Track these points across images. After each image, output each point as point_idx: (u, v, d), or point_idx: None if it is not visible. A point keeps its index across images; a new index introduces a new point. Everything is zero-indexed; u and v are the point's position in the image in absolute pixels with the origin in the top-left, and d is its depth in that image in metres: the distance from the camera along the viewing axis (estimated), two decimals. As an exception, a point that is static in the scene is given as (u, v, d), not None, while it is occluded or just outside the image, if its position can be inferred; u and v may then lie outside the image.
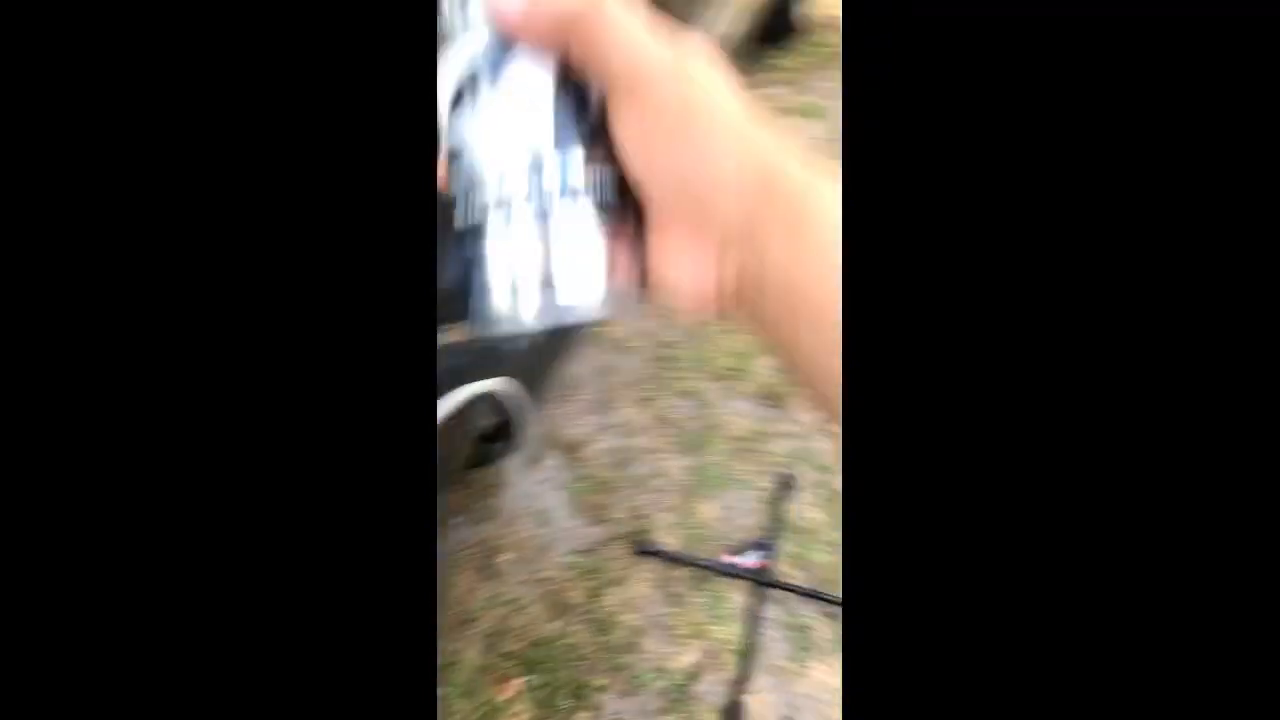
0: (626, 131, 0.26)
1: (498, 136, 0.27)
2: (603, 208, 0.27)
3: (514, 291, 0.27)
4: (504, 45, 0.27)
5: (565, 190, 0.27)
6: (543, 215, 0.27)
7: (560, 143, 0.27)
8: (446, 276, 0.26)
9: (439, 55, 0.27)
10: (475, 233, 0.27)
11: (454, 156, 0.27)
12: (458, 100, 0.27)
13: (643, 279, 0.28)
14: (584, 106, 0.27)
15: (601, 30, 0.26)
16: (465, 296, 0.27)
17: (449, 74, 0.27)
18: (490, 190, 0.27)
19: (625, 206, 0.28)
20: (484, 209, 0.27)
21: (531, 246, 0.26)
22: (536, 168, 0.26)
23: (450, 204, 0.27)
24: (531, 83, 0.27)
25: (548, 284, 0.26)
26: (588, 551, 1.36)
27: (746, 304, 0.27)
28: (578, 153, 0.27)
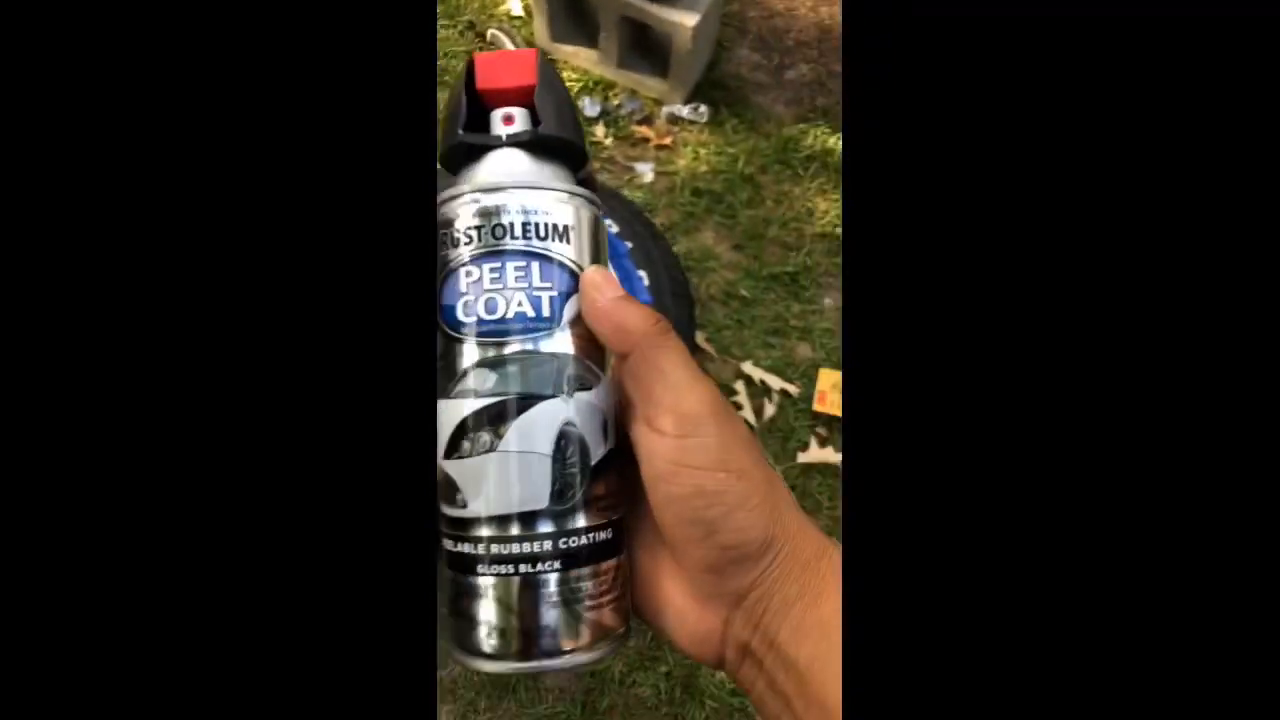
0: (644, 451, 0.29)
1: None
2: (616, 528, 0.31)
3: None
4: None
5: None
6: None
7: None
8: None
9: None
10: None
11: None
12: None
13: (647, 608, 0.31)
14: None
15: (655, 363, 0.29)
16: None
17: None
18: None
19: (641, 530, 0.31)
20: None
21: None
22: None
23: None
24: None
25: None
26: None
27: (749, 668, 0.29)
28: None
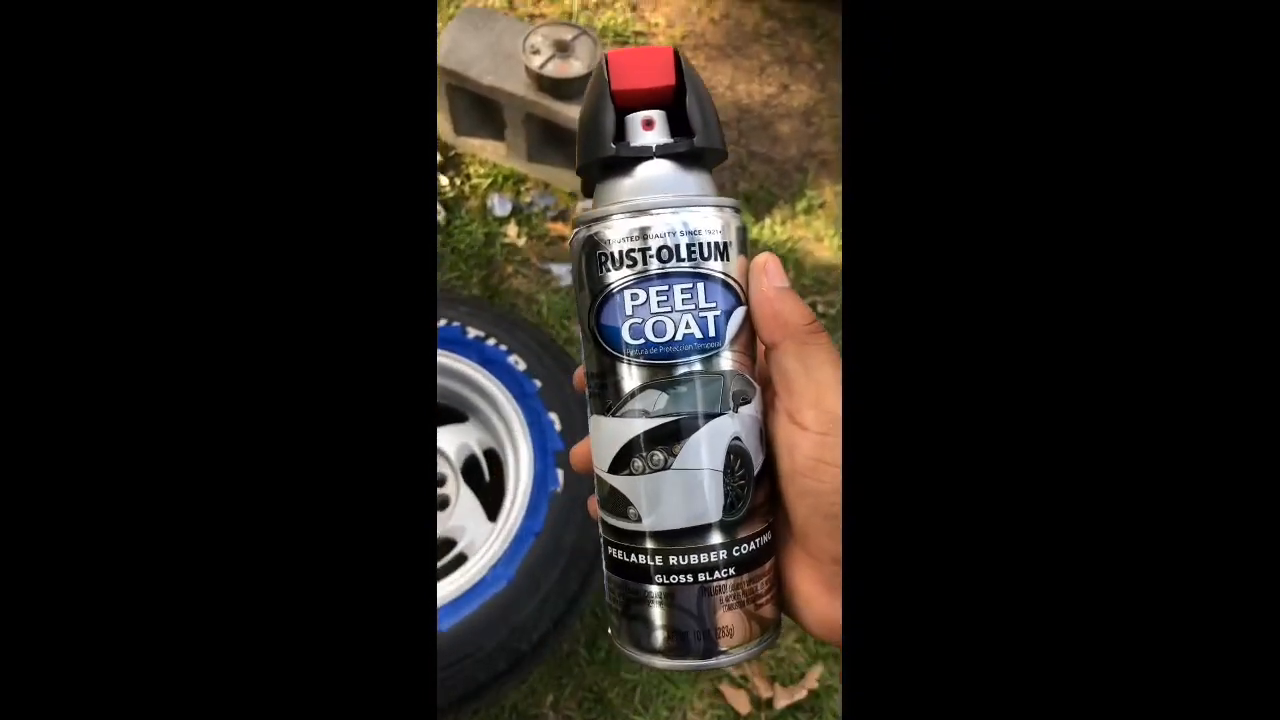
0: (784, 445, 0.30)
1: None
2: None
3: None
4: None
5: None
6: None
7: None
8: None
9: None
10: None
11: None
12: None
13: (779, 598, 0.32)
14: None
15: (803, 358, 0.30)
16: None
17: None
18: None
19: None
20: None
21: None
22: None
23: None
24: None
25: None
26: None
27: None
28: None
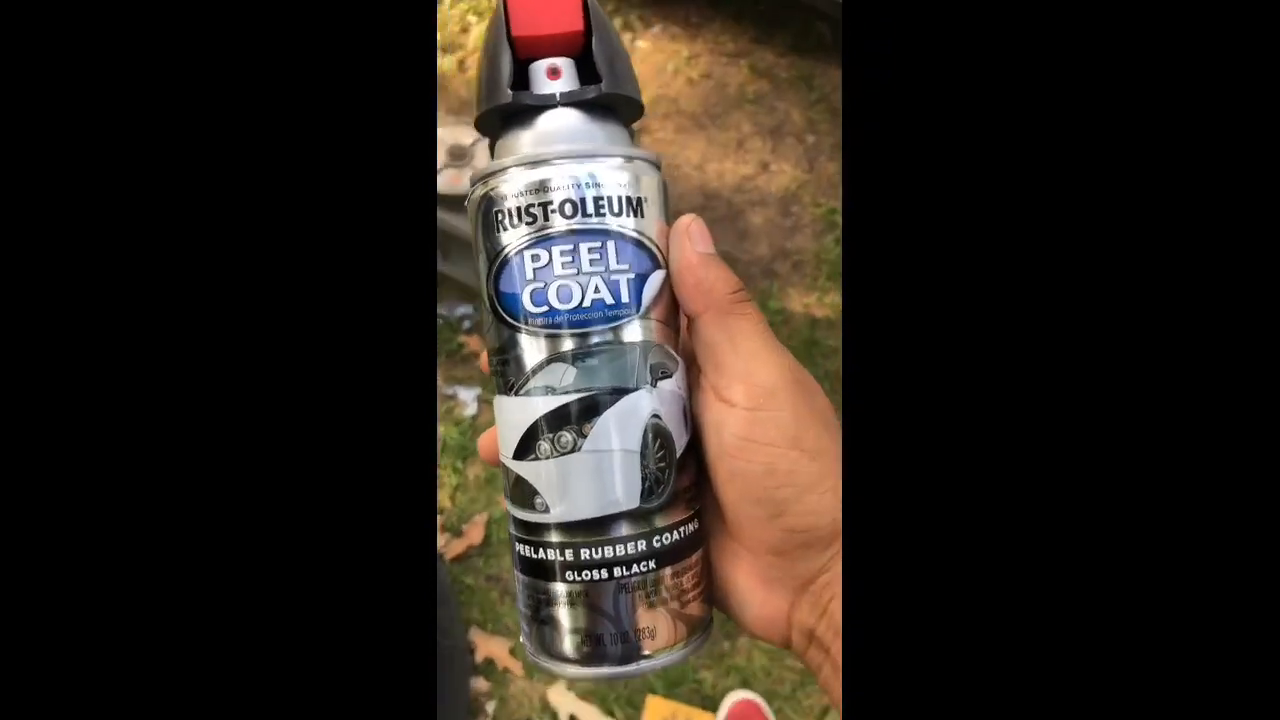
0: (710, 424, 0.28)
1: None
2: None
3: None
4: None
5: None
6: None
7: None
8: None
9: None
10: None
11: None
12: None
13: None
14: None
15: (729, 329, 0.27)
16: None
17: None
18: None
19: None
20: None
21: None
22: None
23: None
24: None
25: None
26: None
27: (815, 652, 0.27)
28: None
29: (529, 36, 0.28)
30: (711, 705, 1.03)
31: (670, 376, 0.28)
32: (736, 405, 0.27)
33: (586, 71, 0.28)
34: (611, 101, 0.28)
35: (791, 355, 0.28)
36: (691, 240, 0.28)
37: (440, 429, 1.20)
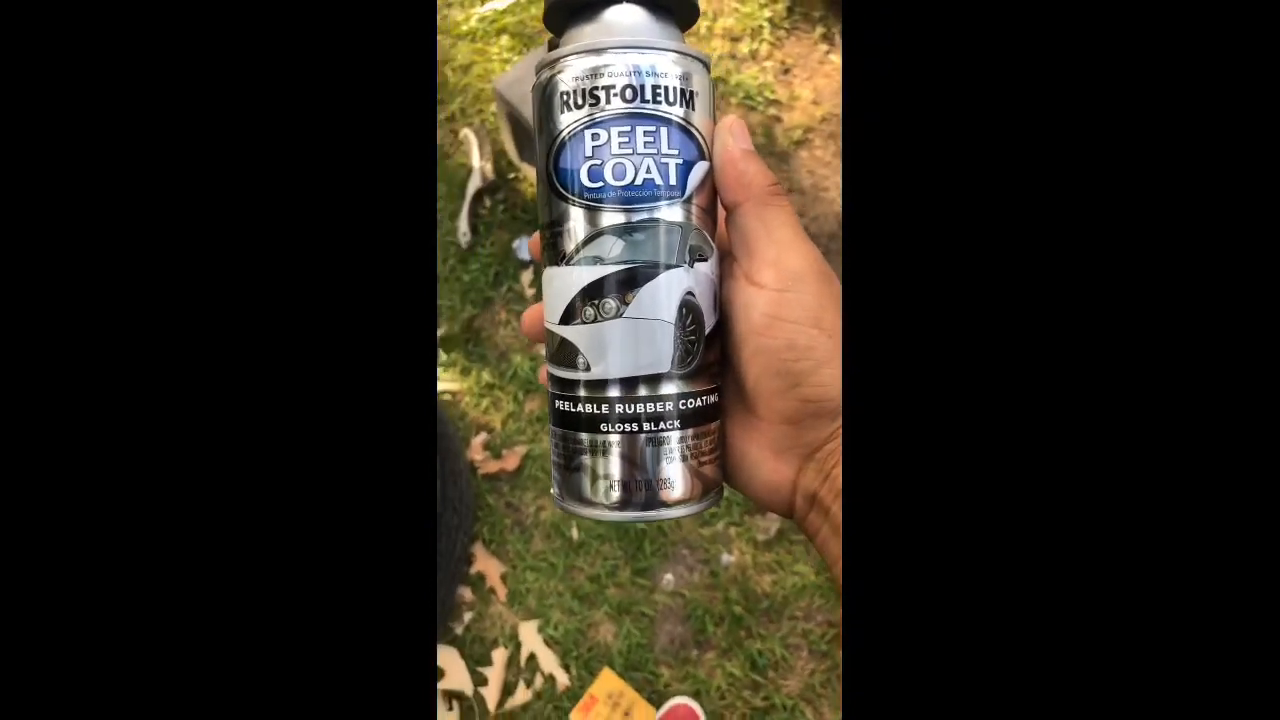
0: (740, 305, 0.30)
1: None
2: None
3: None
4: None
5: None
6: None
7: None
8: None
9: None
10: None
11: None
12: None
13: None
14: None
15: (764, 218, 0.30)
16: None
17: None
18: None
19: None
20: None
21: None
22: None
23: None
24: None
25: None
26: None
27: (816, 515, 0.29)
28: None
29: None
30: (657, 700, 1.06)
31: (705, 260, 0.30)
32: (766, 287, 0.29)
33: None
34: (672, 3, 0.31)
35: (816, 248, 0.30)
36: (735, 137, 0.30)
37: (515, 359, 1.28)
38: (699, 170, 0.30)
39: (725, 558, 1.15)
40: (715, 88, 0.31)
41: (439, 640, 1.08)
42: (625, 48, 0.29)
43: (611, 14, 0.30)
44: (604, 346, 0.29)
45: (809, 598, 1.13)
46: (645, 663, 1.08)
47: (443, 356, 1.28)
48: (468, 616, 1.11)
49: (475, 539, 1.15)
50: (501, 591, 1.12)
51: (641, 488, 0.30)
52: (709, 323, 0.30)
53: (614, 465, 0.30)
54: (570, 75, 0.29)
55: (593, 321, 0.29)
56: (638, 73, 0.28)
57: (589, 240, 0.29)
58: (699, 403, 0.30)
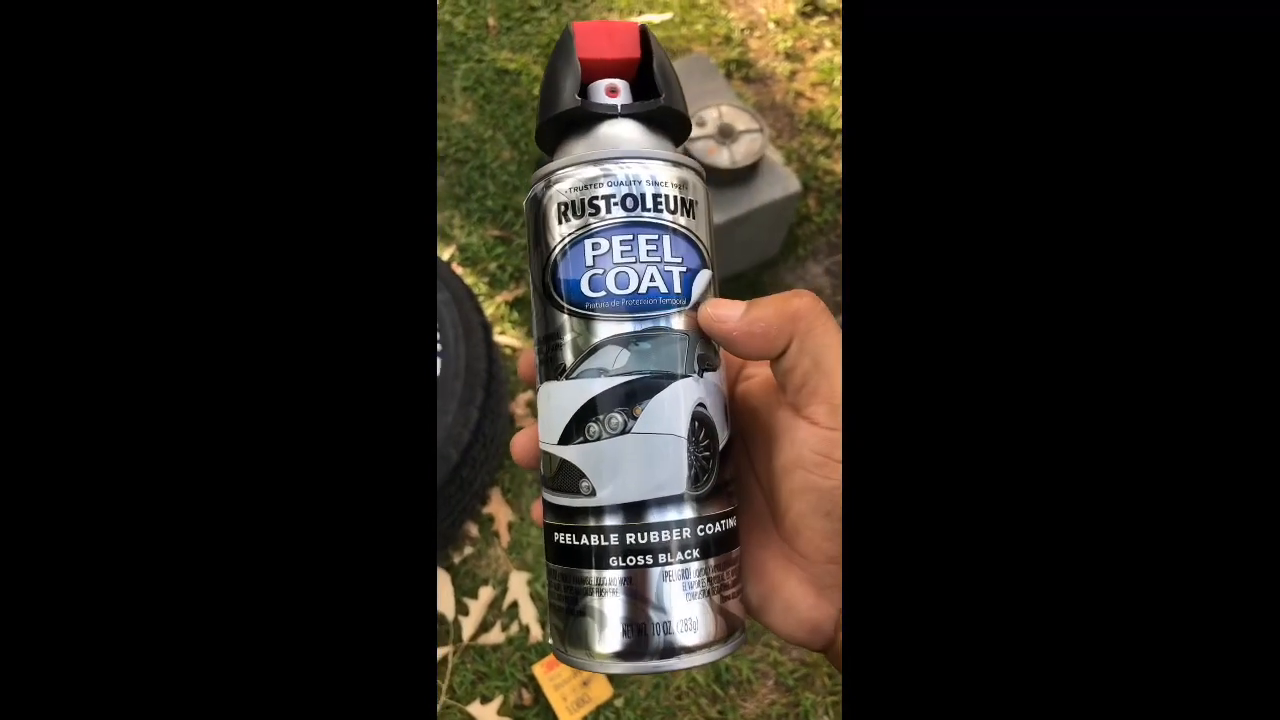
0: (787, 438, 0.28)
1: None
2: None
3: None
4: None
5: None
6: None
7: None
8: None
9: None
10: None
11: None
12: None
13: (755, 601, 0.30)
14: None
15: (810, 349, 0.27)
16: None
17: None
18: None
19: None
20: None
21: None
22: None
23: None
24: None
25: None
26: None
27: None
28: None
29: (593, 60, 0.30)
30: (617, 680, 1.09)
31: (714, 370, 0.29)
32: (819, 424, 0.27)
33: (642, 92, 0.30)
34: (666, 117, 0.30)
35: None
36: (723, 322, 0.28)
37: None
38: (702, 279, 0.29)
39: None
40: (709, 196, 0.31)
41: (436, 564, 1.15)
42: (624, 158, 0.28)
43: (606, 129, 0.29)
44: (611, 467, 0.27)
45: (789, 631, 1.14)
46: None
47: (515, 315, 1.36)
48: (467, 550, 1.17)
49: (496, 483, 1.22)
50: (505, 538, 1.18)
51: (659, 631, 0.26)
52: (723, 437, 0.28)
53: (625, 605, 0.27)
54: (568, 186, 0.28)
55: (597, 440, 0.27)
56: (637, 182, 0.28)
57: (591, 352, 0.27)
58: (718, 528, 0.28)
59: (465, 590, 1.15)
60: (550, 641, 0.30)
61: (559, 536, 0.28)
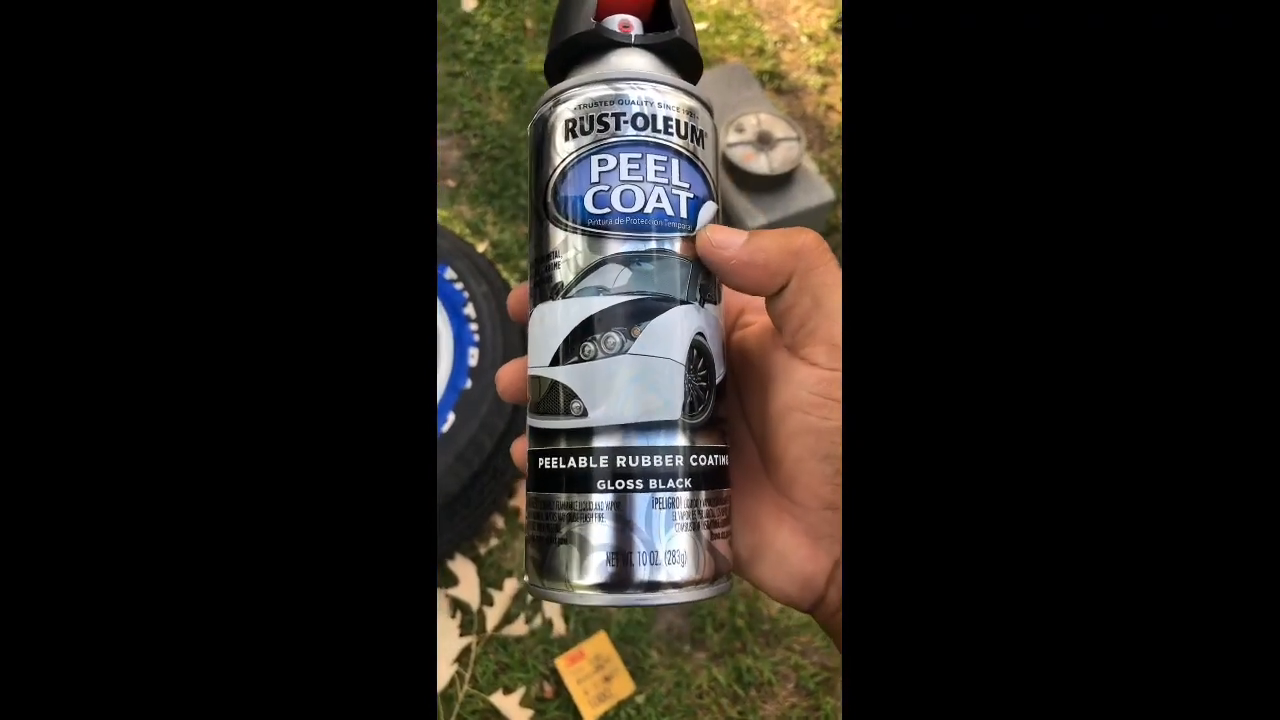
0: (784, 380, 0.27)
1: None
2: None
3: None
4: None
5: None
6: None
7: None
8: None
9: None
10: None
11: None
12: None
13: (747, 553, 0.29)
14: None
15: (811, 289, 0.27)
16: None
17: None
18: None
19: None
20: None
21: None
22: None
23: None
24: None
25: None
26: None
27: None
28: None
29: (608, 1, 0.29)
30: (640, 678, 1.09)
31: (716, 304, 0.28)
32: (817, 365, 0.26)
33: (656, 27, 0.30)
34: (679, 51, 0.29)
35: None
36: (725, 247, 0.27)
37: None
38: (708, 210, 0.28)
39: (743, 572, 1.18)
40: (717, 133, 0.30)
41: (462, 554, 1.15)
42: (637, 79, 0.28)
43: (618, 57, 0.29)
44: (605, 387, 0.26)
45: (810, 635, 1.14)
46: (639, 640, 1.11)
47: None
48: (494, 542, 1.18)
49: (516, 481, 1.22)
50: (530, 531, 1.18)
51: (645, 560, 0.25)
52: (719, 372, 0.27)
53: (612, 532, 0.25)
54: (577, 103, 0.27)
55: (592, 359, 0.26)
56: (649, 103, 0.27)
57: (591, 269, 0.26)
58: (711, 461, 0.27)
59: (490, 581, 1.15)
60: (525, 578, 0.28)
61: (543, 461, 0.27)
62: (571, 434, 0.26)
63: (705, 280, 0.28)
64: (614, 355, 0.26)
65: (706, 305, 0.27)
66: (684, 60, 0.30)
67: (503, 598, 1.13)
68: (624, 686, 1.07)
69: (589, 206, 0.27)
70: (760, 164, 1.22)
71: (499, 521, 1.19)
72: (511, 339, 1.09)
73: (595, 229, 0.27)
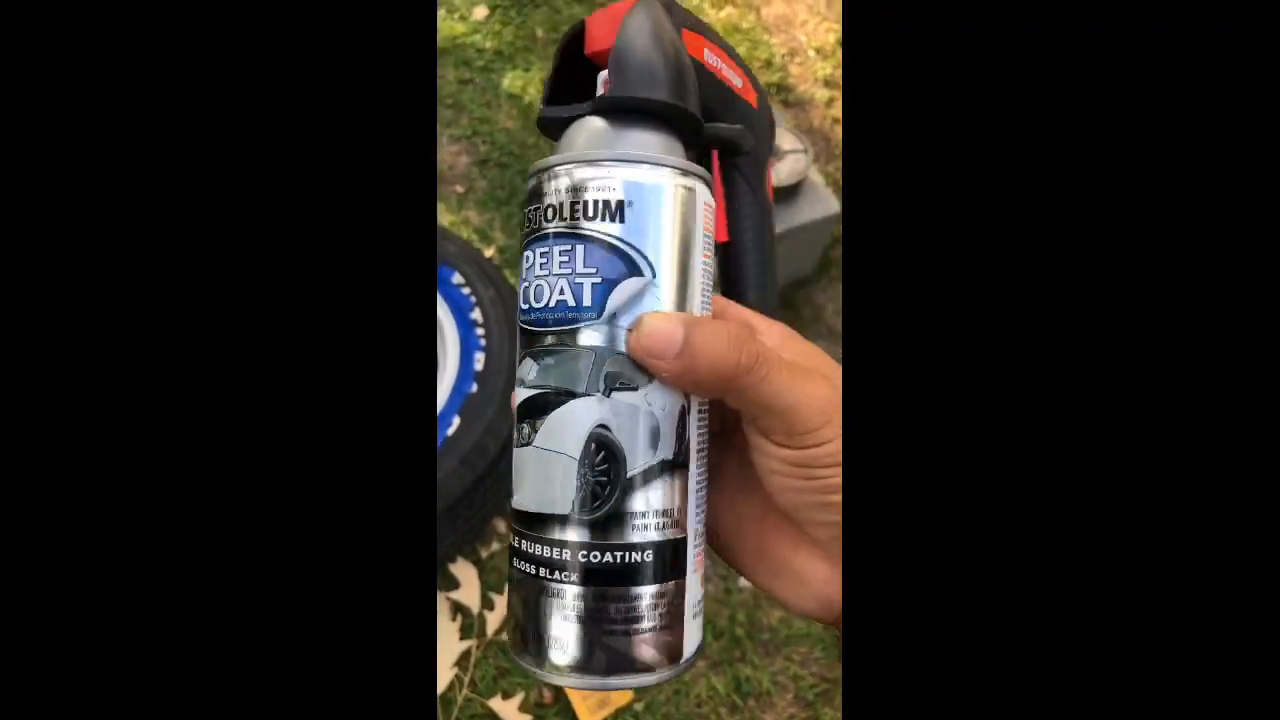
0: (760, 454, 0.27)
1: None
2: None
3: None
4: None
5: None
6: None
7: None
8: None
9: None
10: None
11: None
12: None
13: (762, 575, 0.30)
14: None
15: (757, 399, 0.26)
16: None
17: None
18: None
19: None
20: None
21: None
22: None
23: None
24: None
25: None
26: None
27: None
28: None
29: (599, 52, 0.29)
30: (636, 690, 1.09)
31: (635, 390, 0.27)
32: (786, 446, 0.26)
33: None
34: (644, 109, 0.28)
35: (828, 368, 0.28)
36: (653, 351, 0.26)
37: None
38: (624, 288, 0.26)
39: (743, 581, 1.18)
40: (695, 199, 0.28)
41: (464, 557, 1.16)
42: (557, 164, 0.27)
43: (570, 132, 0.29)
44: (519, 474, 0.28)
45: (810, 646, 1.14)
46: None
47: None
48: (495, 546, 1.18)
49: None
50: (532, 536, 1.19)
51: (531, 639, 0.27)
52: (637, 463, 0.26)
53: (517, 605, 0.28)
54: (527, 201, 0.29)
55: (517, 446, 0.28)
56: (558, 191, 0.27)
57: (520, 363, 0.28)
58: (611, 559, 0.26)
59: (492, 585, 1.15)
60: None
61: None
62: (510, 509, 0.29)
63: (617, 367, 0.26)
64: (525, 447, 0.27)
65: (616, 394, 0.26)
66: (659, 115, 0.28)
67: (504, 602, 1.14)
68: (623, 694, 1.07)
69: (520, 304, 0.28)
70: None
71: (501, 526, 1.19)
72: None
73: (523, 325, 0.28)
